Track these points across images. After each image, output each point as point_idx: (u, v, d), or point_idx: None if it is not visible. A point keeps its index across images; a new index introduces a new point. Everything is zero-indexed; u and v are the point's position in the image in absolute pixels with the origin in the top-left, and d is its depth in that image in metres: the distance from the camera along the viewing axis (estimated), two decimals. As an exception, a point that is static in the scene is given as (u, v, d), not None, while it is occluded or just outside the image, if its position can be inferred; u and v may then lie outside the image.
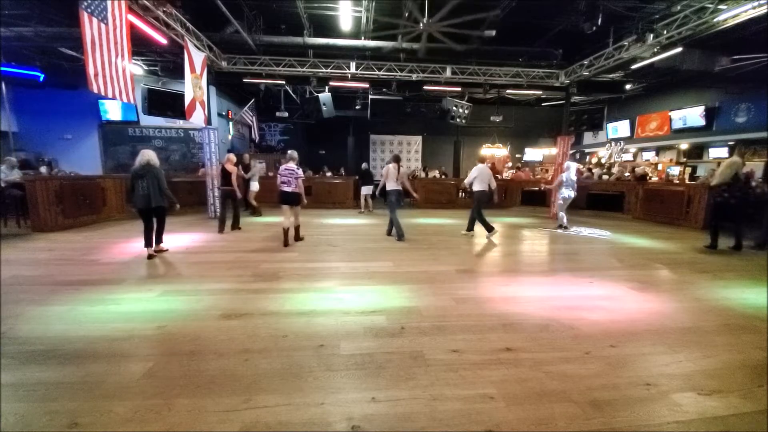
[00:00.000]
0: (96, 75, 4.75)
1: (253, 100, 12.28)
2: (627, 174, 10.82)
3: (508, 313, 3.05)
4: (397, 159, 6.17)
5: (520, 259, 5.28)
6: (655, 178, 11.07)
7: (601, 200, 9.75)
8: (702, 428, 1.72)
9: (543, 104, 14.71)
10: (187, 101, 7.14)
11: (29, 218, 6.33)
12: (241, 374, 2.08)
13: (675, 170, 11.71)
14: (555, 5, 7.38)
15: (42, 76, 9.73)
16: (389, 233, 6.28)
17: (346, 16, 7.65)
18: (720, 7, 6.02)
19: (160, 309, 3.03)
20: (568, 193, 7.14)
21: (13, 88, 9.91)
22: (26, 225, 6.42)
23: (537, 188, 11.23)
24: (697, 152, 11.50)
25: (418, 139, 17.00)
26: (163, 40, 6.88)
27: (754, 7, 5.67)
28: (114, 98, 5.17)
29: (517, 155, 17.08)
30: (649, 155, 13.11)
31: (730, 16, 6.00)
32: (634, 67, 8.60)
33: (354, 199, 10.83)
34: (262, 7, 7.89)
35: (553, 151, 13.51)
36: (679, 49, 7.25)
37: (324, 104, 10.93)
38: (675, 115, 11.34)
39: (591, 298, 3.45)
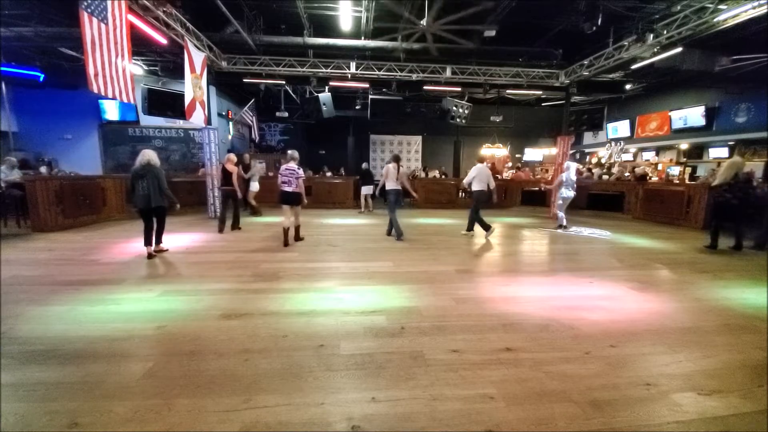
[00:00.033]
0: (96, 75, 4.75)
1: (253, 100, 12.28)
2: (627, 174, 10.83)
3: (508, 313, 3.05)
4: (396, 159, 6.17)
5: (520, 259, 5.28)
6: (655, 178, 11.07)
7: (601, 200, 9.75)
8: (702, 428, 1.72)
9: (543, 104, 14.71)
10: (187, 101, 7.14)
11: (29, 218, 6.32)
12: (241, 374, 2.08)
13: (675, 170, 11.71)
14: (555, 5, 7.38)
15: (42, 76, 9.73)
16: (389, 233, 6.28)
17: (346, 16, 7.65)
18: (720, 7, 6.02)
19: (160, 309, 3.03)
20: (568, 193, 7.14)
21: (13, 88, 9.91)
22: (26, 225, 6.41)
23: (537, 188, 11.23)
24: (697, 152, 11.50)
25: (418, 139, 17.00)
26: (163, 40, 6.88)
27: (754, 7, 5.67)
28: (114, 98, 5.17)
29: (517, 155, 17.08)
30: (649, 155, 13.11)
31: (730, 16, 6.00)
32: (634, 67, 8.60)
33: (354, 199, 10.83)
34: (262, 7, 7.89)
35: (553, 151, 13.52)
36: (679, 49, 7.25)
37: (324, 104, 10.93)
38: (675, 115, 11.34)
39: (591, 298, 3.45)
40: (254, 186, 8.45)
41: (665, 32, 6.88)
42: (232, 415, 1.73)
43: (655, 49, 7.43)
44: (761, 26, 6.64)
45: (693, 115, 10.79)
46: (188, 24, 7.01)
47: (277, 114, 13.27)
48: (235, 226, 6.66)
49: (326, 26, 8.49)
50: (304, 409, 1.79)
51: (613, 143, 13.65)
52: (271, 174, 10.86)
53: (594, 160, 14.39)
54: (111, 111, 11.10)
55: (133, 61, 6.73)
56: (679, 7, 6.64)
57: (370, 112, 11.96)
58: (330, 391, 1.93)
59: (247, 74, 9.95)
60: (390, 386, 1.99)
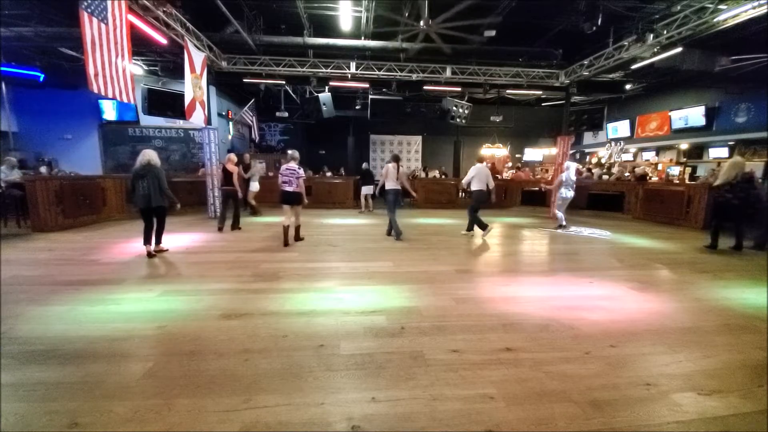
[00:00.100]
0: (96, 75, 4.75)
1: (253, 100, 12.28)
2: (627, 174, 10.82)
3: (508, 313, 3.05)
4: (396, 159, 6.18)
5: (520, 259, 5.28)
6: (655, 178, 11.07)
7: (601, 200, 9.74)
8: (702, 428, 1.72)
9: (543, 104, 14.71)
10: (187, 101, 7.14)
11: (29, 218, 6.32)
12: (241, 374, 2.08)
13: (675, 170, 11.71)
14: (555, 5, 7.38)
15: (42, 76, 9.73)
16: (389, 233, 6.28)
17: (346, 16, 7.65)
18: (720, 7, 6.01)
19: (160, 309, 3.03)
20: (567, 193, 7.14)
21: (13, 88, 9.92)
22: (26, 225, 6.41)
23: (537, 188, 11.23)
24: (697, 152, 11.50)
25: (418, 139, 17.00)
26: (163, 40, 6.88)
27: (754, 7, 5.67)
28: (114, 98, 5.17)
29: (517, 155, 17.09)
30: (649, 155, 13.11)
31: (730, 16, 6.00)
32: (634, 67, 8.60)
33: (354, 199, 10.83)
34: (262, 7, 7.89)
35: (553, 151, 13.53)
36: (679, 49, 7.25)
37: (324, 104, 10.93)
38: (675, 115, 11.34)
39: (591, 298, 3.45)
40: (254, 186, 8.45)
41: (665, 32, 6.88)
42: (232, 415, 1.73)
43: (655, 49, 7.43)
44: (761, 26, 6.64)
45: (693, 115, 10.80)
46: (188, 24, 7.01)
47: (277, 114, 13.27)
48: (235, 226, 6.66)
49: (326, 26, 8.49)
50: (304, 409, 1.79)
51: (613, 143, 13.65)
52: (271, 174, 10.86)
53: (594, 160, 14.39)
54: (108, 111, 11.10)
55: (133, 61, 6.73)
56: (679, 7, 6.64)
57: (370, 112, 11.96)
58: (330, 391, 1.93)
59: (247, 74, 9.95)
60: (390, 386, 1.99)
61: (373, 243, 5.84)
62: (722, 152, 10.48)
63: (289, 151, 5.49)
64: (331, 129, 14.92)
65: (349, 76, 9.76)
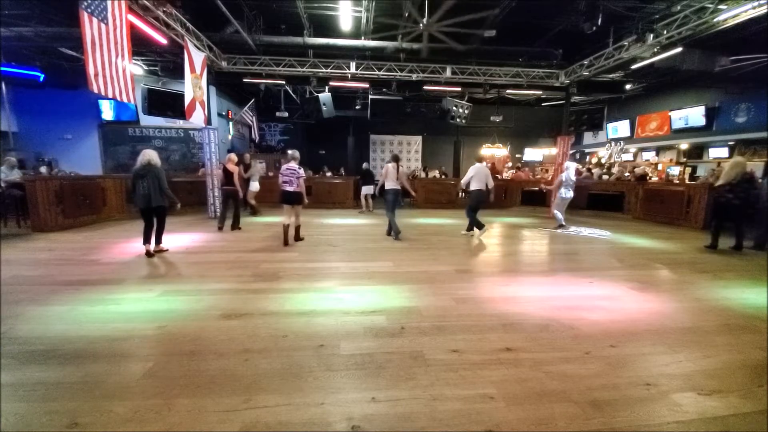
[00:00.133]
0: (96, 75, 4.75)
1: (253, 100, 12.28)
2: (627, 174, 10.82)
3: (508, 313, 3.05)
4: (396, 159, 6.18)
5: (519, 259, 5.28)
6: (655, 178, 11.07)
7: (601, 200, 9.74)
8: (702, 428, 1.72)
9: (543, 104, 14.71)
10: (187, 101, 7.14)
11: (29, 218, 6.32)
12: (241, 374, 2.08)
13: (675, 170, 11.71)
14: (555, 5, 7.38)
15: (42, 76, 9.73)
16: (389, 233, 6.28)
17: (346, 16, 7.65)
18: (720, 7, 6.02)
19: (160, 309, 3.03)
20: (567, 193, 7.14)
21: (13, 88, 9.91)
22: (26, 225, 6.42)
23: (537, 188, 11.23)
24: (697, 152, 11.50)
25: (418, 139, 17.01)
26: (163, 40, 6.88)
27: (754, 7, 5.67)
28: (114, 98, 5.17)
29: (517, 155, 17.09)
30: (649, 155, 13.11)
31: (730, 16, 6.00)
32: (634, 67, 8.60)
33: (354, 199, 10.83)
34: (262, 7, 7.89)
35: (553, 151, 13.52)
36: (679, 49, 7.25)
37: (324, 104, 10.93)
38: (675, 115, 11.34)
39: (591, 298, 3.45)
40: (254, 186, 8.45)
41: (665, 32, 6.88)
42: (232, 415, 1.73)
43: (655, 49, 7.43)
44: (761, 26, 6.64)
45: (693, 115, 10.80)
46: (188, 24, 7.01)
47: (277, 114, 13.27)
48: (235, 226, 6.66)
49: (326, 26, 8.49)
50: (304, 409, 1.79)
51: (613, 143, 13.64)
52: (271, 174, 10.86)
53: (594, 160, 14.38)
54: (107, 111, 11.10)
55: (133, 61, 6.73)
56: (679, 7, 6.64)
57: (370, 112, 11.96)
58: (330, 391, 1.93)
59: (247, 74, 9.95)
60: (390, 386, 1.99)
61: (373, 243, 5.84)
62: (722, 152, 10.48)
63: (290, 151, 5.49)
64: (331, 129, 14.93)
65: (349, 76, 9.76)
